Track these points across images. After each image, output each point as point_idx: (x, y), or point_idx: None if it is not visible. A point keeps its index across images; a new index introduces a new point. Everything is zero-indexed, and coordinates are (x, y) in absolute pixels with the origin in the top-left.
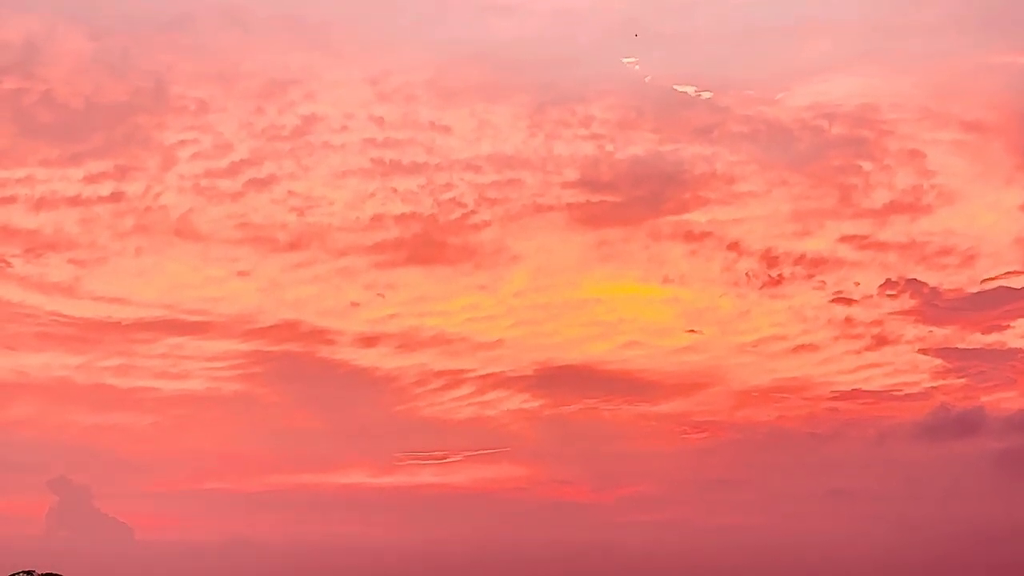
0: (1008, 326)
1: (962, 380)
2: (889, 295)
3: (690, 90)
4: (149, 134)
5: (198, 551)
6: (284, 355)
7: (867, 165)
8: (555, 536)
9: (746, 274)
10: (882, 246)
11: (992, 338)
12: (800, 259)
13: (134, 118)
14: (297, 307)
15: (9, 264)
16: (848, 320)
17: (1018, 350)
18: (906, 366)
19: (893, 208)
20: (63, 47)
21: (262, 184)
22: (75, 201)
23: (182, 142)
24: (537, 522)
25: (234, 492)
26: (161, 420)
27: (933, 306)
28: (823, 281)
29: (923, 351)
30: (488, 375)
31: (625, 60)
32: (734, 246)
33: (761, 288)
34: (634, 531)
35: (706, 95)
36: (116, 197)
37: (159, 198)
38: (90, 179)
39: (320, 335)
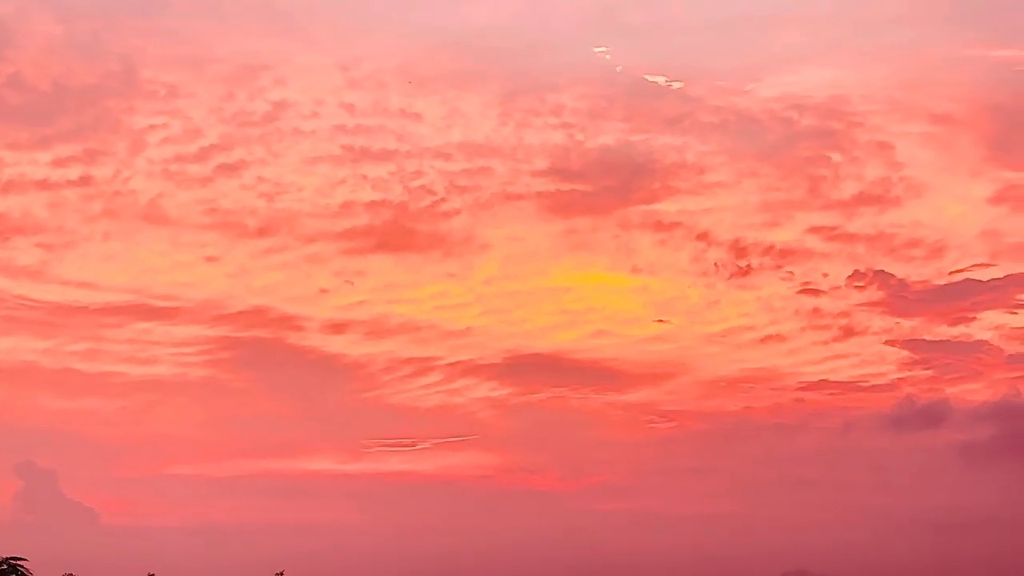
0: (974, 318)
1: (928, 372)
2: (857, 286)
3: (661, 80)
4: (118, 118)
5: (164, 536)
6: (252, 341)
7: (836, 156)
8: (522, 524)
9: (715, 264)
10: (850, 237)
11: (958, 330)
12: (768, 250)
13: (103, 102)
14: (266, 293)
15: None
16: (816, 311)
17: (984, 342)
18: (873, 357)
19: (862, 200)
20: (32, 29)
21: (232, 170)
22: (43, 185)
23: (152, 127)
24: (504, 510)
25: (201, 477)
26: (128, 405)
27: (900, 298)
28: (791, 272)
29: (890, 342)
30: (457, 363)
31: (596, 49)
32: (703, 236)
33: (729, 278)
34: (601, 520)
35: (677, 85)
36: (84, 181)
37: (128, 182)
38: (58, 163)
39: (289, 321)
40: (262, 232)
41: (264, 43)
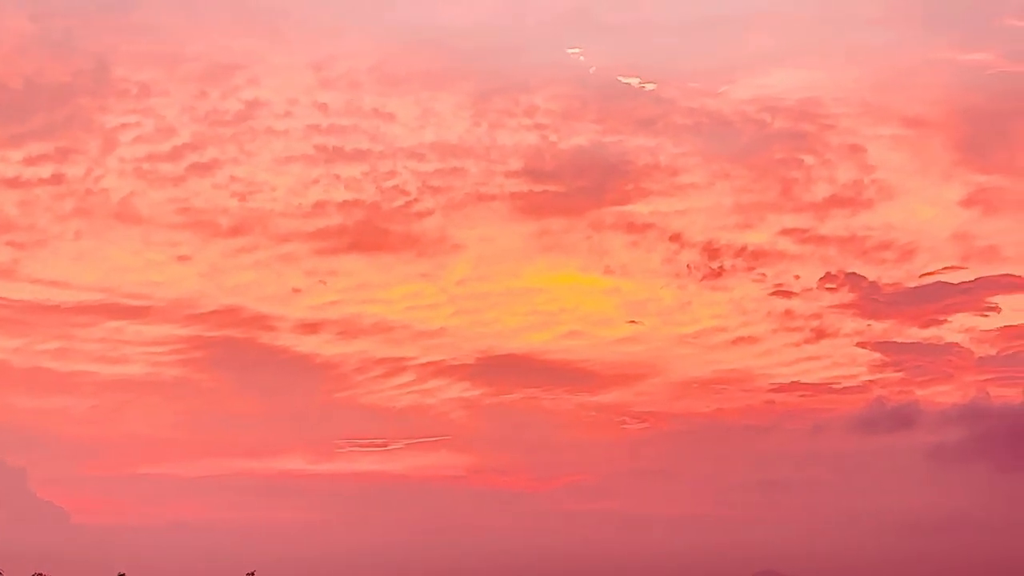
0: (945, 321)
1: (899, 374)
2: (828, 288)
3: (634, 81)
4: (91, 116)
5: (135, 535)
6: (224, 340)
7: (809, 159)
8: (494, 524)
9: (687, 266)
10: (822, 240)
11: (929, 332)
12: (741, 251)
13: (76, 100)
14: (238, 292)
15: None
16: (788, 313)
17: (954, 344)
18: (844, 359)
19: (834, 202)
20: (4, 27)
21: (204, 169)
22: (14, 183)
23: (124, 125)
24: (476, 510)
25: (172, 476)
26: (99, 404)
27: (872, 300)
28: (763, 274)
29: (861, 344)
30: (429, 363)
31: (570, 50)
32: (676, 238)
33: (702, 280)
34: (572, 520)
35: (650, 87)
36: (56, 179)
37: (100, 181)
38: (30, 161)
39: (261, 321)
40: (234, 231)
41: (237, 42)
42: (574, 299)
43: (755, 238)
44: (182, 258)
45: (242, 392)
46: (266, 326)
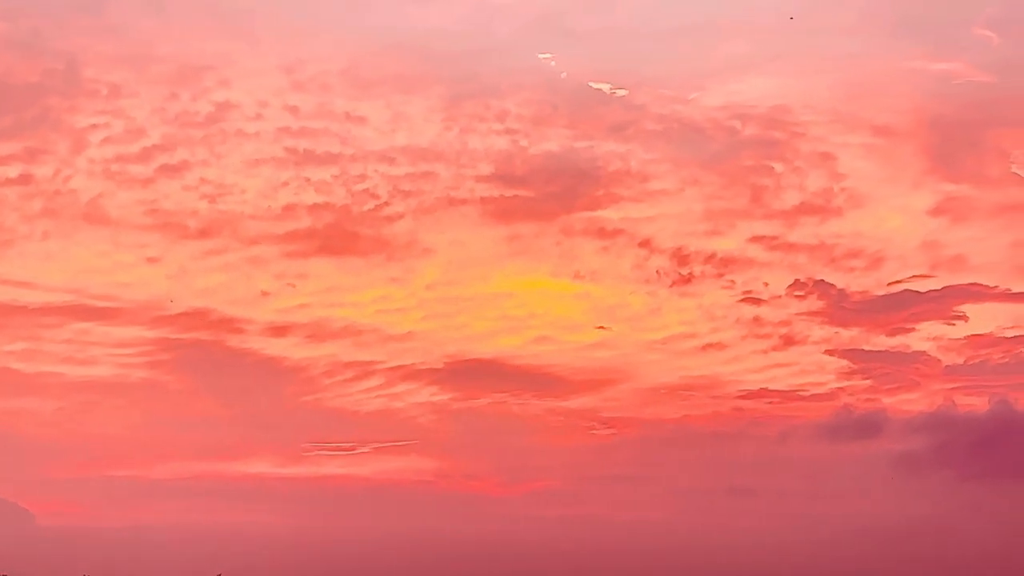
0: (913, 329)
1: (867, 381)
2: (797, 296)
3: (605, 87)
4: (60, 117)
5: (101, 538)
6: (193, 343)
7: (779, 166)
8: (461, 529)
9: (657, 272)
10: (791, 247)
11: (897, 340)
12: (710, 258)
13: (45, 100)
14: (207, 295)
15: None
16: (756, 320)
17: (922, 353)
18: (812, 366)
19: (803, 210)
20: None
21: (174, 170)
22: None
23: (93, 126)
24: (443, 515)
25: (139, 479)
26: (66, 406)
27: (840, 308)
28: (732, 280)
29: (829, 352)
30: (398, 367)
31: (541, 55)
32: (645, 244)
33: (671, 286)
34: (540, 525)
35: (621, 93)
36: (24, 180)
37: (68, 182)
38: None
39: (229, 324)
40: (204, 233)
41: (208, 44)
42: (543, 304)
43: (724, 245)
44: (151, 260)
45: (209, 395)
46: (234, 329)
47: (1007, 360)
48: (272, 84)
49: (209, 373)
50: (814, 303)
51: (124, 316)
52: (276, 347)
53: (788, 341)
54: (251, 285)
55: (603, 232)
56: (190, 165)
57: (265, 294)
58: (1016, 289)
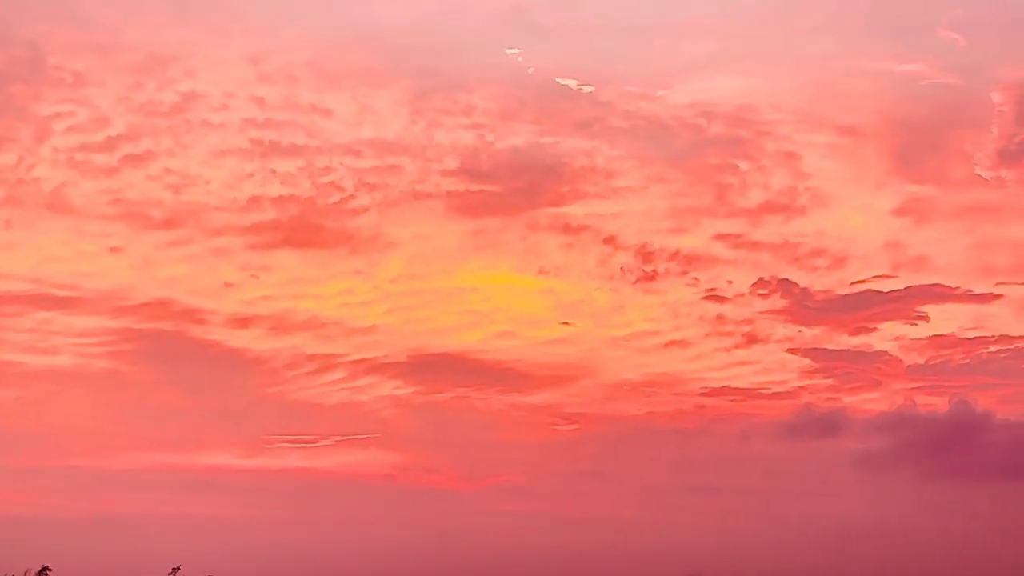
0: (875, 328)
1: (829, 380)
2: (760, 294)
3: (572, 83)
4: (23, 104)
5: (60, 529)
6: (155, 333)
7: (744, 165)
8: (423, 523)
9: (621, 268)
10: (755, 245)
11: (859, 340)
12: (675, 255)
13: (8, 88)
14: (170, 285)
15: None
16: (720, 317)
17: (884, 353)
18: (775, 365)
19: (768, 208)
20: None
21: (138, 160)
22: None
23: (57, 114)
24: (405, 509)
25: (100, 470)
26: (26, 395)
27: (803, 306)
28: (696, 278)
29: (792, 351)
30: (361, 360)
31: (508, 50)
32: (610, 240)
33: (635, 283)
34: (501, 521)
35: (588, 89)
36: None
37: (32, 170)
38: None
39: (192, 315)
40: (167, 224)
41: (174, 33)
42: (507, 299)
43: (689, 242)
44: (114, 249)
45: (171, 385)
46: (197, 320)
47: (968, 361)
48: (238, 75)
49: (171, 364)
50: (777, 302)
51: (86, 306)
52: (239, 339)
53: (751, 339)
54: (215, 276)
55: (568, 228)
56: (155, 155)
57: (229, 285)
58: (978, 290)
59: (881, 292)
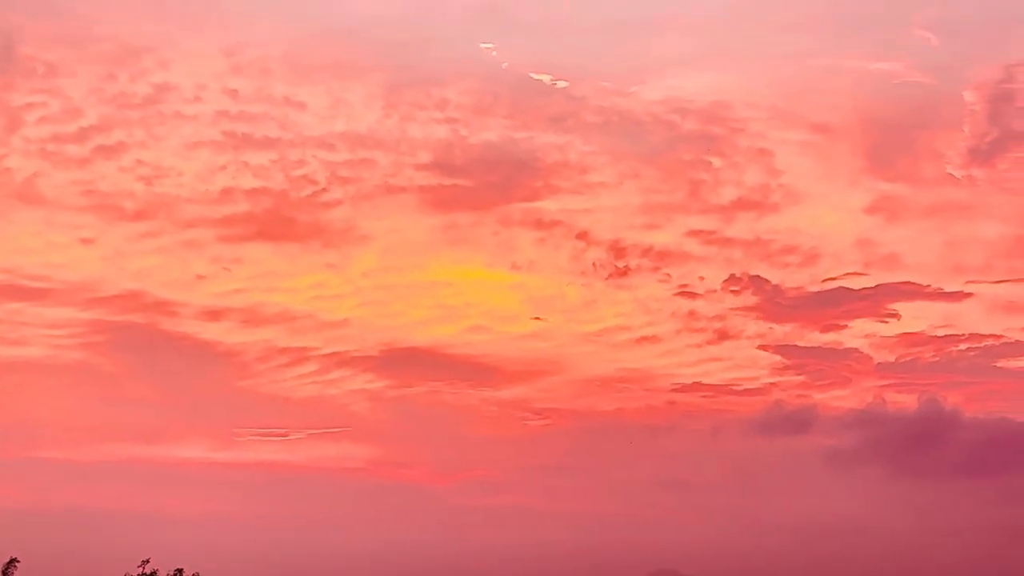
0: (845, 326)
1: (799, 377)
2: (732, 291)
3: (546, 78)
4: None
5: (29, 520)
6: (126, 325)
7: (717, 161)
8: (394, 517)
9: (593, 264)
10: (728, 242)
11: (830, 337)
12: (647, 251)
13: None
14: (141, 277)
15: None
16: (691, 313)
17: (853, 350)
18: (746, 361)
19: (740, 205)
20: None
21: (110, 151)
22: None
23: (30, 105)
24: (376, 503)
25: (69, 462)
26: None
27: (774, 303)
28: (668, 274)
29: (763, 347)
30: (332, 354)
31: (483, 45)
32: (583, 235)
33: (607, 278)
34: (472, 515)
35: (562, 84)
36: None
37: (3, 161)
38: None
39: (163, 307)
40: (139, 216)
41: (147, 25)
42: (479, 294)
43: (661, 238)
44: (85, 241)
45: (142, 378)
46: (169, 312)
47: (937, 359)
48: (211, 67)
49: (142, 356)
50: (749, 298)
51: (57, 297)
52: (210, 331)
53: (722, 335)
54: (186, 268)
55: (540, 223)
56: (127, 146)
57: (200, 278)
58: (948, 288)
59: (852, 290)
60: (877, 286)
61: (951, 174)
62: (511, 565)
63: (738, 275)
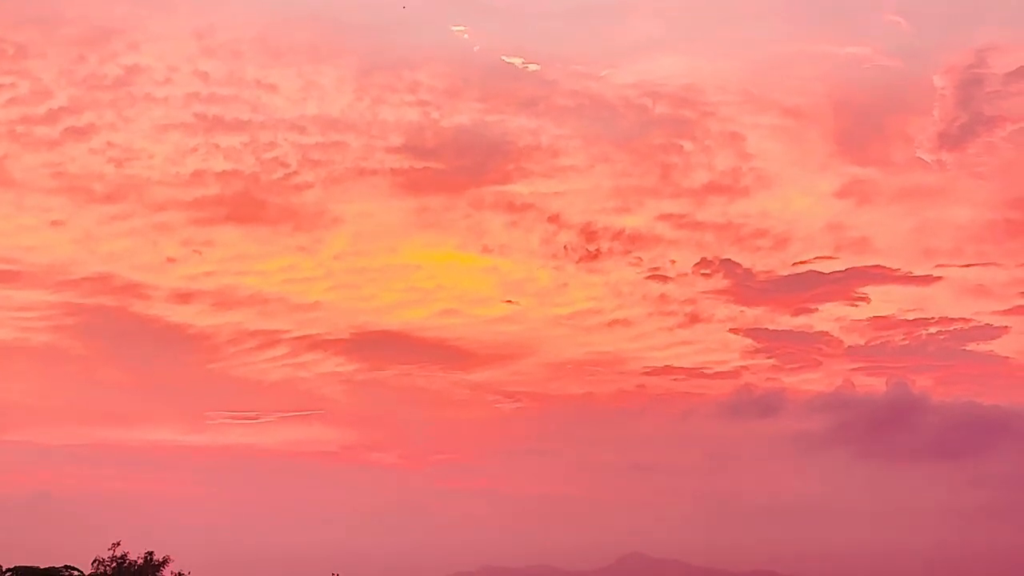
0: (816, 309)
1: (770, 360)
2: (703, 274)
3: (518, 62)
4: None
5: None
6: (96, 308)
7: (688, 145)
8: (365, 500)
9: (565, 247)
10: (699, 226)
11: (800, 320)
12: (618, 235)
13: None
14: (111, 260)
15: None
16: (662, 297)
17: (824, 333)
18: (717, 344)
19: (711, 189)
20: None
21: (80, 133)
22: None
23: None
24: (348, 486)
25: (38, 444)
26: None
27: (745, 287)
28: (640, 257)
29: (734, 330)
30: (304, 337)
31: (454, 28)
32: (554, 219)
33: (579, 262)
34: (443, 498)
35: (533, 68)
36: None
37: None
38: None
39: (134, 289)
40: (110, 198)
41: (118, 6)
42: (451, 277)
43: (633, 222)
44: (55, 223)
45: (112, 361)
46: (139, 295)
47: (907, 342)
48: (182, 49)
49: (112, 339)
50: (720, 282)
51: (27, 279)
52: (181, 314)
53: (693, 319)
54: (157, 251)
55: (512, 206)
56: (97, 128)
57: (171, 260)
58: (918, 272)
59: (823, 273)
60: (847, 270)
61: (921, 158)
62: (480, 547)
63: (709, 259)
